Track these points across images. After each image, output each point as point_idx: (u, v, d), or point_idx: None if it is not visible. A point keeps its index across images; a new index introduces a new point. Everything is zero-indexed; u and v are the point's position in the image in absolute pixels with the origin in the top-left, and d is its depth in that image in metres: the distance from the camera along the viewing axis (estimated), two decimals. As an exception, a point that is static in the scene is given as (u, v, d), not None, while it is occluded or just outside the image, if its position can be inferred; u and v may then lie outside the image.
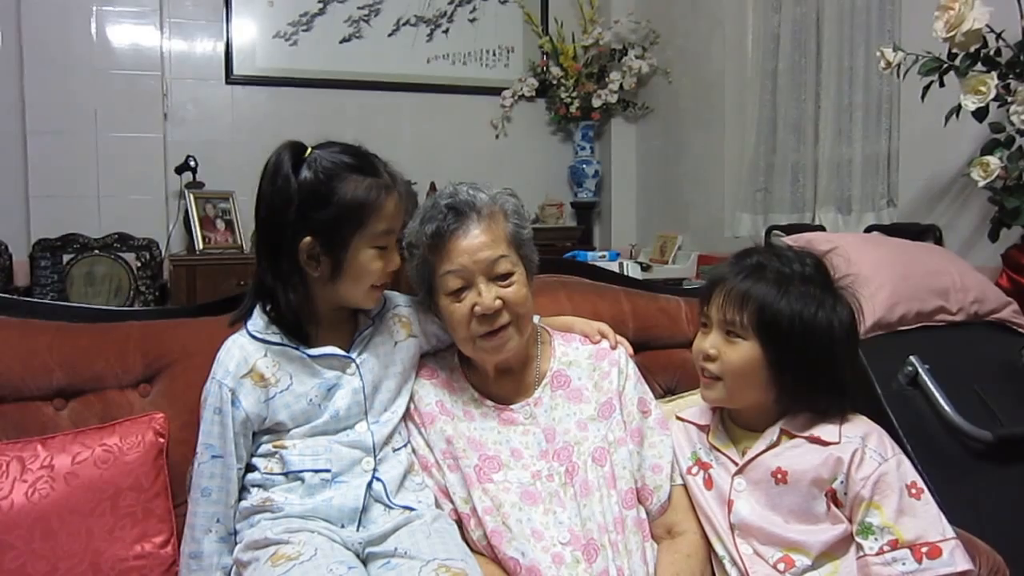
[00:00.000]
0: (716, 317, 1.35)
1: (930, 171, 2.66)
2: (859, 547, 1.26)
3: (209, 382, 1.36)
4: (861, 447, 1.28)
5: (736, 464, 1.37)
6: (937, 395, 1.70)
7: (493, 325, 1.37)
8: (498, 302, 1.35)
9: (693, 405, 1.53)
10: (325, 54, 4.24)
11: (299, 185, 1.32)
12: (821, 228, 3.07)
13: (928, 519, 1.24)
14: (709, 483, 1.40)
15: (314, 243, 1.33)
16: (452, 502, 1.39)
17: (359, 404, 1.39)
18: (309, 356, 1.37)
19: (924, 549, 1.21)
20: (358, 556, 1.30)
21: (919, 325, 1.88)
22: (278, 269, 1.35)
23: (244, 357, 1.36)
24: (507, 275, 1.38)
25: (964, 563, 1.21)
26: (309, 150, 1.35)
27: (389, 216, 1.36)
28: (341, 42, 4.29)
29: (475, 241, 1.36)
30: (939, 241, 2.46)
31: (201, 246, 3.72)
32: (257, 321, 1.39)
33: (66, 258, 3.61)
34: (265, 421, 1.36)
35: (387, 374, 1.43)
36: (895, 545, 1.22)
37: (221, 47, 4.05)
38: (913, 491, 1.26)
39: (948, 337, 1.89)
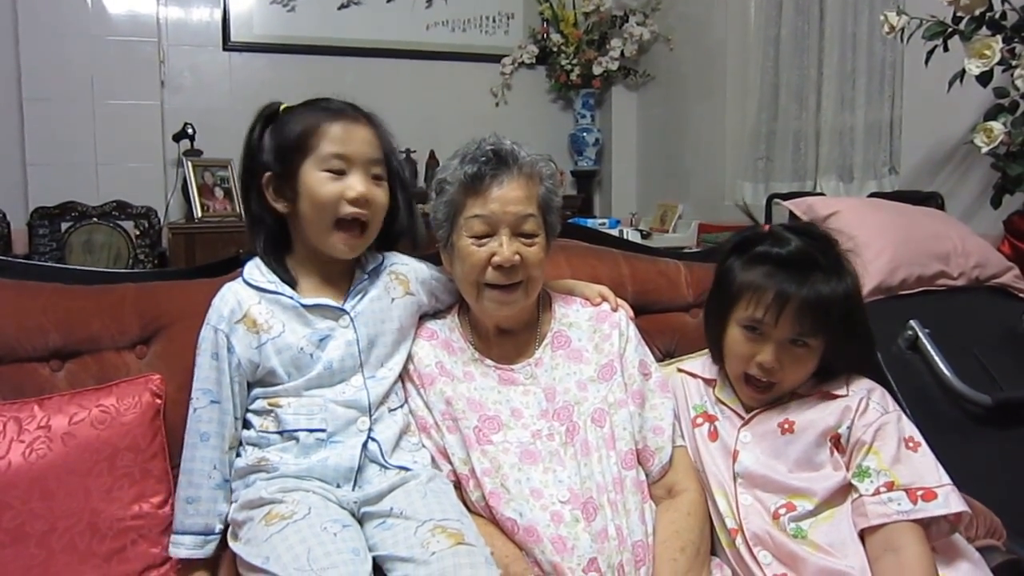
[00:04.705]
0: (780, 336, 1.31)
1: (933, 138, 2.65)
2: (854, 489, 1.28)
3: (204, 328, 1.37)
4: (866, 397, 1.32)
5: (742, 418, 1.39)
6: (937, 359, 1.71)
7: (509, 279, 1.37)
8: (516, 257, 1.36)
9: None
10: (323, 20, 4.19)
11: (266, 137, 1.41)
12: (822, 196, 3.05)
13: (924, 468, 1.26)
14: (714, 435, 1.41)
15: (272, 177, 1.38)
16: (451, 463, 1.39)
17: (353, 357, 1.39)
18: (302, 305, 1.38)
19: (919, 492, 1.23)
20: (353, 515, 1.30)
21: (920, 289, 1.88)
22: (253, 211, 1.42)
23: (238, 302, 1.37)
24: (531, 235, 1.39)
25: (959, 505, 1.23)
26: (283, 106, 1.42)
27: (337, 139, 1.35)
28: (339, 8, 4.24)
29: (511, 193, 1.38)
30: (941, 208, 2.45)
31: (200, 214, 3.70)
32: (253, 269, 1.41)
33: (64, 226, 3.60)
34: (258, 369, 1.36)
35: (383, 329, 1.43)
36: (890, 487, 1.24)
37: (218, 13, 4.01)
38: (910, 444, 1.29)
39: (949, 301, 1.89)
